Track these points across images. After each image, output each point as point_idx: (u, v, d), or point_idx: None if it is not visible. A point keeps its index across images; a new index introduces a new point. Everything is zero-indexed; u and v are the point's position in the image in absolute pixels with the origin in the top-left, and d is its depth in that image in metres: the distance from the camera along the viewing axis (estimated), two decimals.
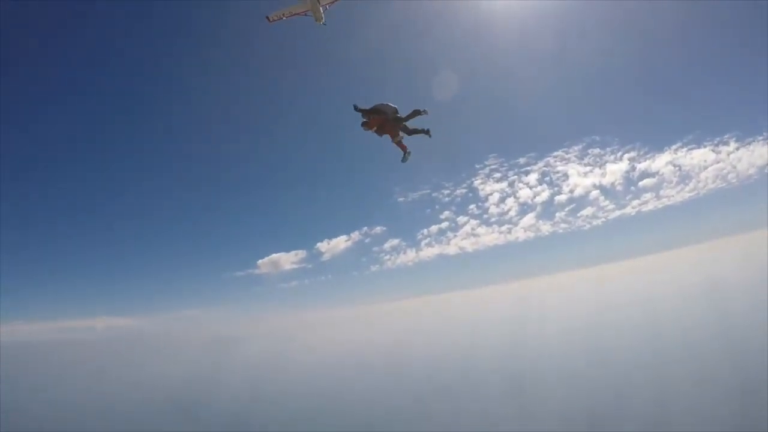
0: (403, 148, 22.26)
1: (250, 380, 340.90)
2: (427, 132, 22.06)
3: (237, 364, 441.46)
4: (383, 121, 21.02)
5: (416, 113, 21.80)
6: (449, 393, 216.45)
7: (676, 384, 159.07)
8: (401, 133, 21.74)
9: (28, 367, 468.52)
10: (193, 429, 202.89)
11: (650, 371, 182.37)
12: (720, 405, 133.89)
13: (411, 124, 21.97)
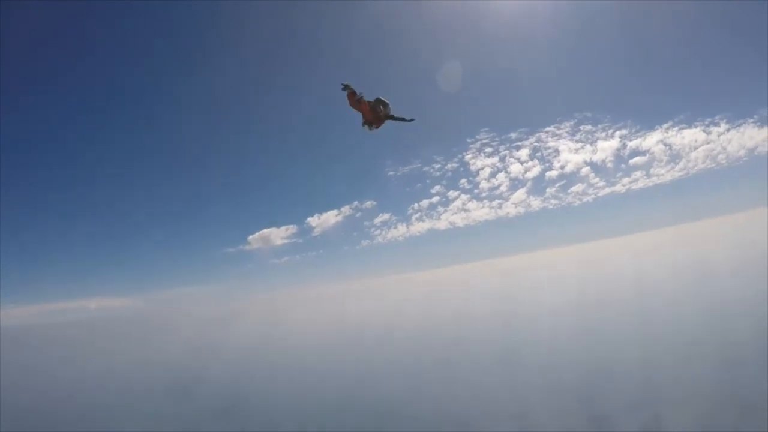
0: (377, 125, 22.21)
1: (244, 357, 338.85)
2: (411, 120, 22.47)
3: (231, 341, 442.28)
4: (375, 116, 21.65)
5: (403, 119, 22.12)
6: (440, 365, 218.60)
7: (665, 359, 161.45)
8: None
9: (24, 352, 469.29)
10: (189, 407, 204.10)
11: (639, 346, 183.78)
12: (707, 381, 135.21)
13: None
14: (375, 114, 21.76)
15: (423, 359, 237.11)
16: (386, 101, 21.90)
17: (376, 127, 21.99)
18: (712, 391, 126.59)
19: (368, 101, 21.77)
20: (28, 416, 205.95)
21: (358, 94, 21.61)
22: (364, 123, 22.04)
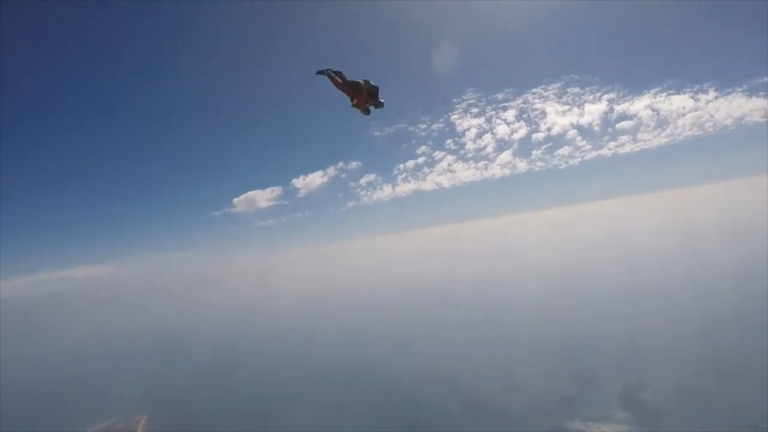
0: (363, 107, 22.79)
1: (231, 319, 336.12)
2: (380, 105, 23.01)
3: (218, 304, 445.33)
4: (359, 95, 22.29)
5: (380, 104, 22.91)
6: (427, 324, 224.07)
7: (648, 321, 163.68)
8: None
9: (14, 323, 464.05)
10: (179, 368, 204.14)
11: (623, 308, 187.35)
12: (690, 343, 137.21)
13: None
14: (357, 91, 22.04)
15: (409, 318, 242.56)
16: (373, 84, 22.18)
17: (365, 109, 22.45)
18: (694, 354, 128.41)
19: (352, 81, 22.12)
20: (26, 386, 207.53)
21: (334, 73, 21.99)
22: (353, 105, 22.50)
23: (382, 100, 22.79)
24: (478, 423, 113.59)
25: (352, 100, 22.52)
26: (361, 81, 22.35)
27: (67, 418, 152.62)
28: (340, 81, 22.20)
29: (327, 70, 22.18)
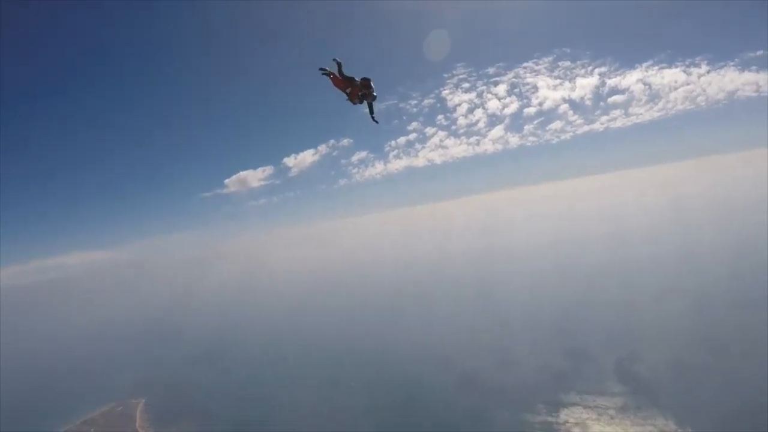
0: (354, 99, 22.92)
1: (226, 300, 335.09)
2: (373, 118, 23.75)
3: (213, 285, 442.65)
4: (353, 87, 22.49)
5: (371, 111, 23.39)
6: (420, 300, 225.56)
7: (641, 296, 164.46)
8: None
9: (12, 311, 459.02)
10: (175, 351, 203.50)
11: (616, 283, 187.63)
12: (682, 318, 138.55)
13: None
14: (352, 84, 22.22)
15: (403, 295, 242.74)
16: (369, 84, 22.22)
17: (358, 99, 22.53)
18: (687, 328, 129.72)
19: (348, 76, 22.20)
20: (25, 373, 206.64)
21: (335, 68, 22.13)
22: (348, 98, 22.75)
23: (375, 94, 22.80)
24: (473, 398, 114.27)
25: (347, 94, 22.74)
26: (357, 78, 22.48)
27: (66, 403, 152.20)
28: (338, 77, 22.34)
29: (328, 70, 22.51)
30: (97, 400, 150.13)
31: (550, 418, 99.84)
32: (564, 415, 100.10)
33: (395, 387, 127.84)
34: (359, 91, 22.41)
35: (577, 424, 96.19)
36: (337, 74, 22.32)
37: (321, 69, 22.73)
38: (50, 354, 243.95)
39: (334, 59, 22.28)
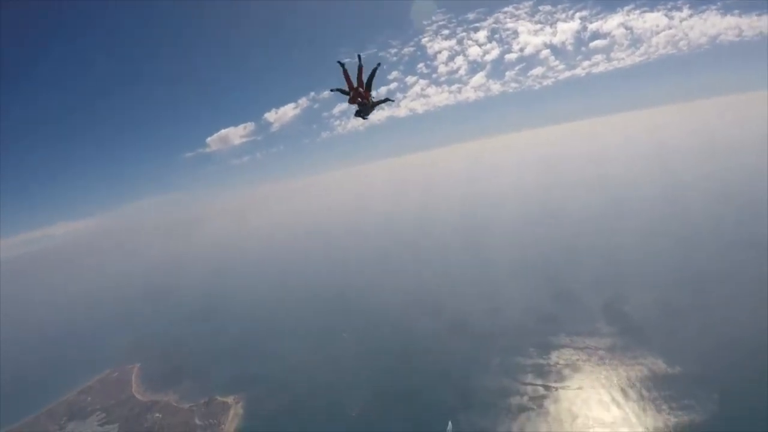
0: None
1: (215, 258, 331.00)
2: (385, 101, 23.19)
3: (201, 245, 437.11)
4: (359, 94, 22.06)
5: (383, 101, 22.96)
6: (409, 247, 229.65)
7: (626, 239, 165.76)
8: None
9: (5, 283, 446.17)
10: (167, 312, 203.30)
11: (601, 226, 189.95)
12: (666, 257, 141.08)
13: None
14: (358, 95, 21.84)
15: (391, 244, 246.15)
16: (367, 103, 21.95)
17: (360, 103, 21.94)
18: (671, 269, 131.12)
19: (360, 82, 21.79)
20: (21, 344, 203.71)
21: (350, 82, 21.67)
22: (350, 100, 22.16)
23: (368, 112, 22.39)
24: (464, 344, 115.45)
25: (350, 95, 22.20)
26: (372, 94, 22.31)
27: (62, 373, 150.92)
28: (353, 84, 21.87)
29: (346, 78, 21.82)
30: (93, 367, 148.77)
31: (541, 361, 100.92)
32: (555, 357, 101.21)
33: (386, 334, 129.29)
34: (359, 97, 22.04)
35: (567, 365, 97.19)
36: (352, 80, 21.88)
37: (340, 63, 21.92)
38: (44, 324, 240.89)
39: (339, 62, 21.91)
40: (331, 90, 22.47)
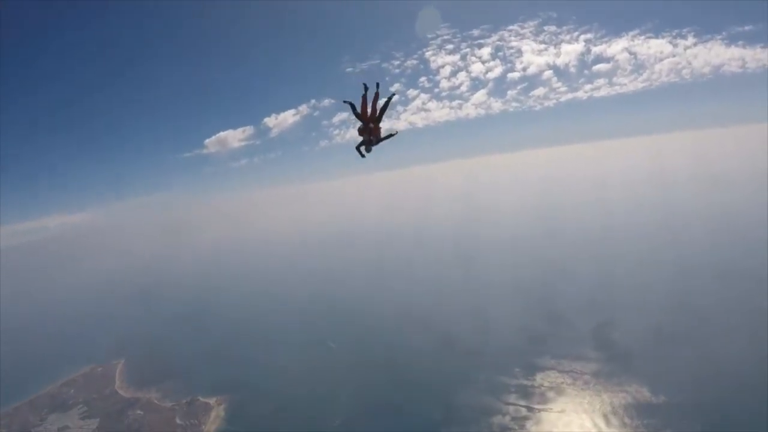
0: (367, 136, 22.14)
1: (207, 261, 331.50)
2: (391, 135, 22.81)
3: (193, 247, 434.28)
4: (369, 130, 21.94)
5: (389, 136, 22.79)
6: (402, 260, 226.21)
7: (621, 265, 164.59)
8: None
9: None
10: (155, 312, 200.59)
11: (596, 249, 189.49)
12: (661, 285, 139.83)
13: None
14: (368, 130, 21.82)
15: (384, 257, 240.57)
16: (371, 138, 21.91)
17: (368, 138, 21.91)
18: (665, 298, 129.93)
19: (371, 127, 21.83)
20: (8, 336, 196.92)
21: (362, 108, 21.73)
22: (360, 132, 21.95)
23: (371, 147, 22.29)
24: (452, 360, 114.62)
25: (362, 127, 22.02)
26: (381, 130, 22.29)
27: (46, 365, 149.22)
28: (367, 115, 21.80)
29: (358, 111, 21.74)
30: (78, 361, 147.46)
31: (525, 381, 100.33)
32: (540, 378, 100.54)
33: (374, 346, 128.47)
34: (368, 132, 21.91)
35: (552, 387, 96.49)
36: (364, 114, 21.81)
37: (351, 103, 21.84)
38: (31, 316, 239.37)
39: (346, 101, 21.86)
40: (345, 101, 21.81)
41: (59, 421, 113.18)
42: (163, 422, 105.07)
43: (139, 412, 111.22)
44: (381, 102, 21.79)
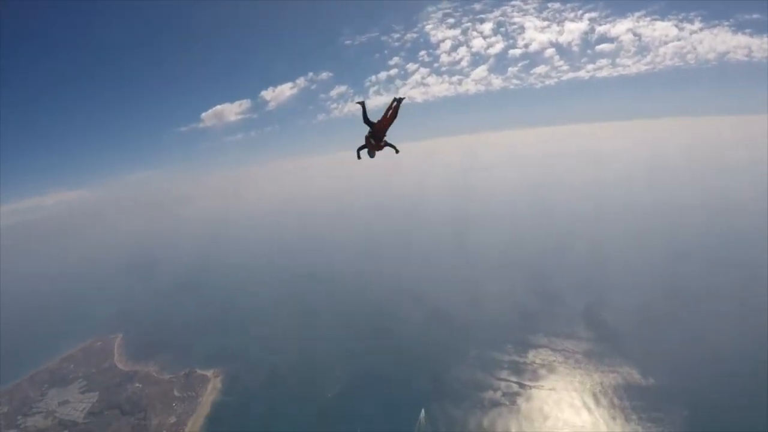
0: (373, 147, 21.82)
1: (204, 235, 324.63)
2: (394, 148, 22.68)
3: (189, 221, 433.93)
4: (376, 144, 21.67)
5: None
6: (398, 234, 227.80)
7: (615, 244, 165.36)
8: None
9: None
10: (153, 285, 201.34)
11: (591, 228, 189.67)
12: (654, 267, 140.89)
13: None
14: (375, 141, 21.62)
15: (380, 231, 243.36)
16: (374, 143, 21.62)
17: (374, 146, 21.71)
18: (657, 280, 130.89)
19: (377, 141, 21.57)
20: (7, 313, 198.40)
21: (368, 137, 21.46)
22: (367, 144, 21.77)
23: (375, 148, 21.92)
24: (444, 333, 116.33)
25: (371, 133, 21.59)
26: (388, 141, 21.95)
27: (45, 341, 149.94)
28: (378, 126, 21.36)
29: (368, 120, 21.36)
30: (76, 336, 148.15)
31: (517, 358, 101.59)
32: (531, 355, 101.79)
33: (368, 319, 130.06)
34: (375, 140, 21.56)
35: (543, 365, 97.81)
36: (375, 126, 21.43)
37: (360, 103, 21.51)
38: (30, 293, 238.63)
39: (359, 102, 21.48)
40: (358, 102, 21.49)
41: (59, 396, 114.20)
42: (162, 394, 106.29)
43: (137, 385, 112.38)
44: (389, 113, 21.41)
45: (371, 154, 21.81)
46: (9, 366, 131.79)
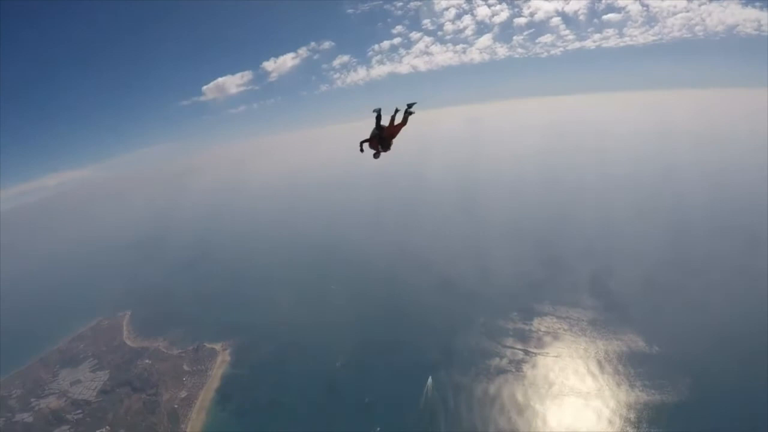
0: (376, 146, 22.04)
1: (208, 209, 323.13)
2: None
3: (194, 196, 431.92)
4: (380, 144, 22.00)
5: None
6: (404, 205, 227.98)
7: (620, 213, 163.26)
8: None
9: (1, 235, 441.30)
10: (159, 261, 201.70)
11: (596, 196, 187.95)
12: (658, 236, 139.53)
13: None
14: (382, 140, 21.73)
15: (386, 201, 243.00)
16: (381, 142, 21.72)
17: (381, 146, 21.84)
18: (661, 248, 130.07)
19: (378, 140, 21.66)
20: (16, 295, 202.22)
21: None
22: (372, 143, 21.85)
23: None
24: (451, 300, 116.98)
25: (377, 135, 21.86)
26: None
27: (56, 321, 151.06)
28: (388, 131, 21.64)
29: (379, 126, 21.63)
30: (85, 316, 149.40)
31: (523, 325, 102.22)
32: (537, 323, 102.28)
33: (375, 288, 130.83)
34: (380, 144, 21.79)
35: (548, 332, 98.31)
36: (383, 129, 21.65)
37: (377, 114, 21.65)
38: (38, 275, 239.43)
39: (375, 110, 21.55)
40: (374, 111, 21.69)
41: (71, 376, 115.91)
42: (172, 369, 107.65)
43: (147, 361, 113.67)
44: (399, 118, 21.73)
45: (376, 156, 22.26)
46: (20, 348, 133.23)
